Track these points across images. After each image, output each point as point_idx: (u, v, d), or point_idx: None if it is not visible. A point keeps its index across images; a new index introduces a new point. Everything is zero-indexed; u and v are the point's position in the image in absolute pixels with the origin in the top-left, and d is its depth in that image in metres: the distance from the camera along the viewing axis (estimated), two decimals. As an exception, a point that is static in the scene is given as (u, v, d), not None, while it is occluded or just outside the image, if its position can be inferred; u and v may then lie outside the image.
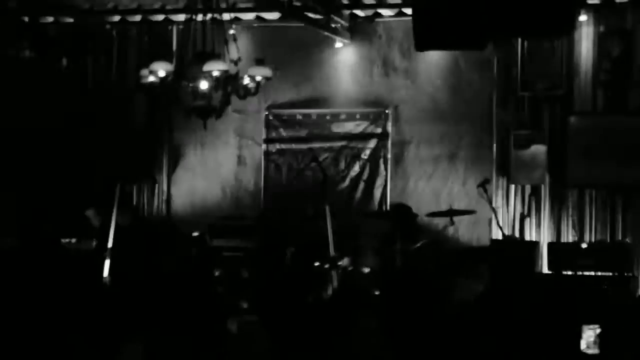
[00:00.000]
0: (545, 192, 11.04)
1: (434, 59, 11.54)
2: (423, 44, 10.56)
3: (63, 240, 9.30)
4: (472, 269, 10.46)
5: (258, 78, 10.51)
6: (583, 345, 7.38)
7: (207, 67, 10.16)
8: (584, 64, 10.95)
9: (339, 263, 9.73)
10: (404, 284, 8.70)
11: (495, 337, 6.56)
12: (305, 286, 9.04)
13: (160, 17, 12.30)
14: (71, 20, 12.32)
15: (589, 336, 7.40)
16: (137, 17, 12.32)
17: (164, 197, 12.12)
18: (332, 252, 9.63)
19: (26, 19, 12.07)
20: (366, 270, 9.80)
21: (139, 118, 12.30)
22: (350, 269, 9.88)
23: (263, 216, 11.56)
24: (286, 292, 7.31)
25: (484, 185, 10.09)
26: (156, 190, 12.26)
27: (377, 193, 11.80)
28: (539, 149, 10.95)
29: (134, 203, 11.66)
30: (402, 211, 10.43)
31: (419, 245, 9.94)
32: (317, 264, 9.91)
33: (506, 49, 11.21)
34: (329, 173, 11.53)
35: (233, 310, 7.63)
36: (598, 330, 7.33)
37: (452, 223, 10.27)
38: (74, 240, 9.62)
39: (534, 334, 6.99)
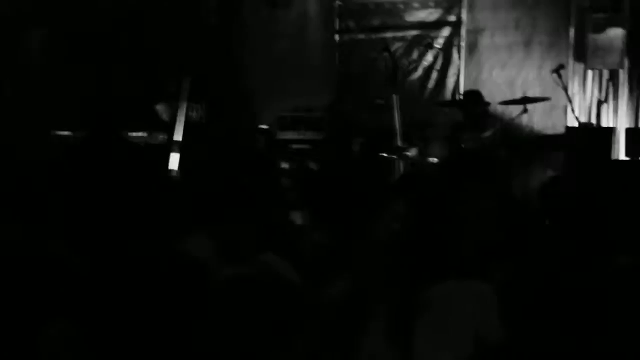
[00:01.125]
0: (623, 77, 10.70)
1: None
2: None
3: (132, 134, 9.42)
4: (546, 157, 10.32)
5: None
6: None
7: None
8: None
9: (406, 153, 9.68)
10: (466, 170, 8.60)
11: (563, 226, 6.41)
12: (371, 176, 9.03)
13: None
14: None
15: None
16: None
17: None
18: (399, 142, 9.58)
19: None
20: (434, 160, 9.74)
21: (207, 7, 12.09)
22: (417, 158, 9.83)
23: (332, 107, 11.48)
24: (348, 183, 7.29)
25: (558, 70, 9.83)
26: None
27: (450, 82, 11.61)
28: (616, 32, 10.57)
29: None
30: (473, 98, 10.23)
31: (489, 133, 9.79)
32: (384, 154, 9.88)
33: None
34: (402, 63, 11.39)
35: (297, 203, 7.67)
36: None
37: (526, 111, 10.04)
38: (144, 134, 9.73)
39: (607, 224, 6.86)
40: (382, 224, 5.28)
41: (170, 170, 8.81)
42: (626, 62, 10.62)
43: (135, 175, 6.78)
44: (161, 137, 9.74)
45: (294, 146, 10.80)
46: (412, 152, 9.87)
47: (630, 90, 10.62)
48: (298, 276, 4.59)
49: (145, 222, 5.41)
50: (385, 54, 10.68)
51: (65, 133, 9.66)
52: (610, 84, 10.73)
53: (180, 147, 9.09)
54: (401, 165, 9.45)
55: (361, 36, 11.98)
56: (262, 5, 11.18)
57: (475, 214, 5.90)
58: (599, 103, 10.79)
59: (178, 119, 9.24)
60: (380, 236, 4.78)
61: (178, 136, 9.24)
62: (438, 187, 6.71)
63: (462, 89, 11.44)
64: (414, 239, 5.05)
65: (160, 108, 10.01)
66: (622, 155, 10.17)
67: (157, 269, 4.06)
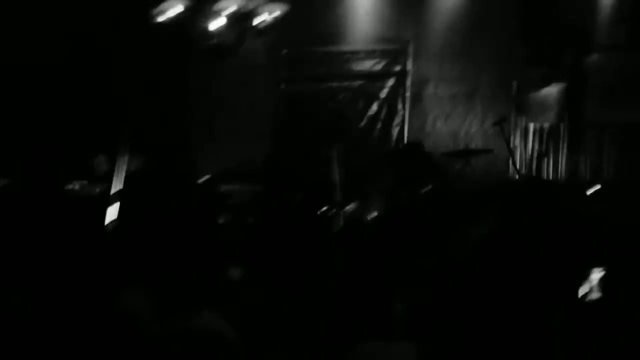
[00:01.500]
0: (564, 131, 10.83)
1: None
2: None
3: (67, 185, 9.31)
4: (487, 210, 10.36)
5: (273, 16, 10.41)
6: (585, 289, 7.29)
7: (221, 5, 10.06)
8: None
9: (346, 208, 9.66)
10: (405, 227, 8.60)
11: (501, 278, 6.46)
12: (309, 231, 9.01)
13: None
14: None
15: (592, 280, 7.30)
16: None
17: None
18: (338, 196, 9.56)
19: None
20: (373, 214, 9.71)
21: (152, 59, 12.07)
22: (356, 213, 9.80)
23: (272, 160, 11.45)
24: (288, 236, 7.29)
25: (500, 123, 9.92)
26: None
27: (395, 132, 11.67)
28: (556, 88, 10.72)
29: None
30: (416, 151, 10.27)
31: (430, 187, 9.82)
32: (323, 209, 9.85)
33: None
34: (347, 113, 11.43)
35: (236, 257, 7.62)
36: (601, 274, 7.22)
37: (469, 163, 10.11)
38: (79, 185, 9.63)
39: (541, 274, 6.91)
40: (317, 280, 5.29)
41: (108, 222, 8.72)
42: (565, 117, 10.76)
43: (70, 226, 6.71)
44: (98, 188, 9.67)
45: (233, 199, 10.74)
46: (351, 207, 9.85)
47: (570, 144, 10.73)
48: (234, 332, 4.56)
49: (80, 273, 5.34)
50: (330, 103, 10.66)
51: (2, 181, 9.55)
52: (551, 137, 10.86)
53: (119, 199, 8.99)
54: (341, 220, 9.43)
55: (306, 85, 11.99)
56: (207, 54, 11.15)
57: (408, 273, 5.91)
58: (540, 156, 10.90)
59: (117, 169, 9.16)
60: (316, 291, 4.82)
61: (117, 187, 9.15)
62: (374, 244, 6.71)
63: (406, 139, 11.49)
64: (347, 295, 5.05)
65: (99, 159, 9.93)
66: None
67: (90, 321, 4.02)
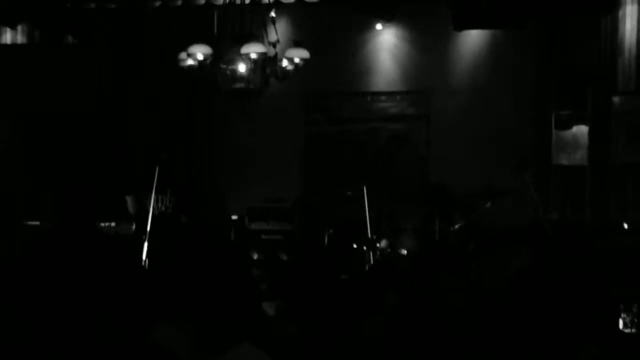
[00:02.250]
0: (587, 172, 10.88)
1: (473, 40, 11.47)
2: (461, 23, 10.58)
3: (102, 224, 9.40)
4: (512, 250, 10.38)
5: (296, 60, 10.51)
6: (621, 324, 7.30)
7: (245, 50, 10.17)
8: (627, 42, 10.74)
9: (377, 245, 9.71)
10: (439, 264, 8.62)
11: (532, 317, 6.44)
12: (342, 268, 9.02)
13: (202, 0, 12.26)
14: (113, 5, 12.32)
15: (627, 315, 7.31)
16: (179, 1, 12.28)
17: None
18: (369, 233, 9.60)
19: (68, 5, 12.11)
20: (404, 251, 9.79)
21: (179, 102, 12.24)
22: (388, 250, 9.88)
23: (301, 199, 11.55)
24: (320, 273, 7.30)
25: (522, 165, 9.97)
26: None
27: (418, 174, 11.74)
28: (581, 129, 10.79)
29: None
30: (440, 191, 10.34)
31: (457, 226, 9.88)
32: (355, 246, 9.91)
33: (547, 27, 11.07)
34: (369, 154, 11.53)
35: (270, 294, 7.63)
36: (636, 309, 7.23)
37: (492, 204, 10.15)
38: (112, 224, 9.73)
39: (572, 312, 6.92)
40: (373, 320, 5.26)
41: (140, 260, 8.77)
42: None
43: (105, 264, 6.74)
44: (130, 227, 9.75)
45: (264, 236, 10.83)
46: (382, 244, 9.91)
47: (594, 184, 10.76)
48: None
49: (115, 311, 5.36)
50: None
51: (35, 223, 9.66)
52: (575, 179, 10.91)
53: (149, 238, 9.07)
54: (371, 257, 9.46)
55: (329, 128, 12.12)
56: (232, 97, 11.26)
57: (447, 308, 5.92)
58: (564, 197, 10.95)
59: (148, 209, 9.24)
60: (370, 332, 4.80)
61: (147, 226, 9.22)
62: (410, 280, 6.73)
63: (430, 180, 11.56)
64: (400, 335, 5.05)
65: (129, 199, 10.03)
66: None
67: (126, 356, 4.02)
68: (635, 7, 10.68)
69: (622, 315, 7.23)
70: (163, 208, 10.36)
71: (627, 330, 7.21)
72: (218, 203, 11.75)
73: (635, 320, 7.20)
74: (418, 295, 6.19)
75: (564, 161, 10.91)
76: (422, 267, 7.80)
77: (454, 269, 8.06)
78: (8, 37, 11.94)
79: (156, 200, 9.81)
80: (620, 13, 10.64)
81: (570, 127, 10.77)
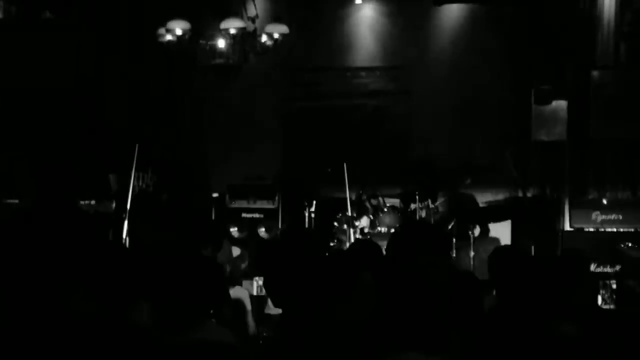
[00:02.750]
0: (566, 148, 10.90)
1: (452, 14, 11.46)
2: (440, -2, 10.54)
3: (82, 202, 9.36)
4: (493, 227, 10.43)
5: (275, 35, 10.48)
6: (600, 300, 7.37)
7: (224, 25, 10.12)
8: (606, 15, 10.74)
9: (357, 223, 9.71)
10: (421, 241, 8.64)
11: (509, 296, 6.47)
12: (322, 246, 9.02)
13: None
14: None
15: (605, 291, 7.38)
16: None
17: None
18: (350, 211, 9.60)
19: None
20: (384, 229, 9.77)
21: (158, 78, 12.12)
22: (368, 229, 9.87)
23: (282, 175, 11.51)
24: (300, 251, 7.30)
25: (512, 152, 9.95)
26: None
27: (401, 150, 11.71)
28: (560, 104, 10.78)
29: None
30: (424, 167, 10.34)
31: (438, 202, 9.90)
32: (335, 224, 9.91)
33: (526, 1, 11.06)
34: (350, 130, 11.50)
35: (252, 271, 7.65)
36: (614, 286, 7.31)
37: (472, 180, 10.18)
38: (92, 202, 9.69)
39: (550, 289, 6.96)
40: (350, 301, 5.26)
41: (121, 238, 8.75)
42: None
43: (83, 241, 6.71)
44: (111, 205, 9.72)
45: (245, 215, 10.81)
46: (362, 222, 9.91)
47: (573, 159, 10.77)
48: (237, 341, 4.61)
49: (91, 285, 5.34)
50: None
51: (14, 201, 9.61)
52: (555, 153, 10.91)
53: (130, 216, 9.04)
54: (351, 235, 9.47)
55: (309, 104, 12.07)
56: (211, 73, 11.20)
57: (429, 286, 5.92)
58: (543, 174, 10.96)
59: (129, 187, 9.22)
60: (343, 312, 4.78)
61: (128, 204, 9.19)
62: (391, 257, 6.69)
63: (413, 156, 11.54)
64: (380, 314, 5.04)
65: (112, 177, 9.98)
66: (567, 226, 10.32)
67: (100, 333, 4.04)
68: (612, -21, 10.68)
69: (601, 292, 7.30)
70: (144, 186, 10.32)
71: (606, 307, 7.29)
72: (203, 180, 11.73)
73: (614, 296, 7.27)
74: (397, 272, 6.15)
75: (544, 137, 10.90)
76: (402, 244, 7.81)
77: (434, 246, 8.09)
78: (-15, 12, 11.81)
79: (137, 178, 9.78)
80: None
81: (549, 102, 10.75)
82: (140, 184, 10.16)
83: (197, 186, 11.46)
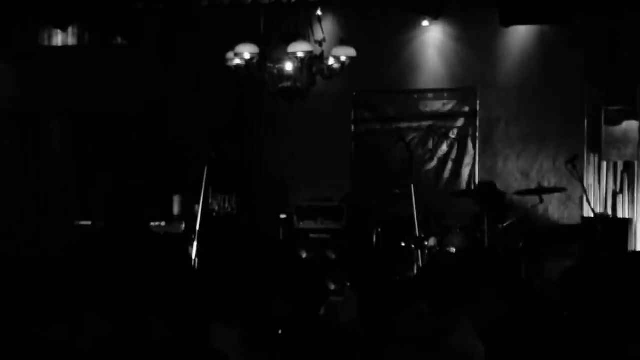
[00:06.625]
0: (638, 168, 10.76)
1: (520, 35, 11.39)
2: (508, 19, 10.49)
3: (152, 224, 9.52)
4: (562, 248, 10.30)
5: (343, 58, 10.51)
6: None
7: (291, 49, 10.19)
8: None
9: (425, 243, 9.68)
10: (490, 264, 8.60)
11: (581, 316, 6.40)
12: (391, 266, 9.02)
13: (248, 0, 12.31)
14: (161, 6, 12.41)
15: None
16: (226, 0, 12.34)
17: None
18: (417, 232, 9.57)
19: (117, 6, 12.22)
20: (453, 250, 9.76)
21: (227, 101, 12.28)
22: (436, 249, 9.86)
23: (350, 197, 11.58)
24: (373, 271, 7.32)
25: (573, 161, 9.87)
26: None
27: (465, 172, 11.73)
28: (631, 125, 10.66)
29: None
30: (489, 189, 10.30)
31: (506, 224, 9.83)
32: (403, 244, 9.90)
33: (596, 22, 10.95)
34: (417, 153, 11.49)
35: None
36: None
37: (542, 201, 10.07)
38: (162, 224, 9.84)
39: (622, 314, 6.86)
40: (407, 323, 5.26)
41: (190, 260, 8.85)
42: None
43: (153, 263, 6.80)
44: (180, 226, 9.86)
45: (313, 235, 10.89)
46: (430, 242, 9.90)
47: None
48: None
49: (167, 310, 5.40)
50: (401, 143, 10.75)
51: (86, 223, 9.81)
52: (625, 175, 10.78)
53: (200, 237, 9.14)
54: (420, 256, 9.44)
55: (376, 126, 12.13)
56: (279, 96, 11.30)
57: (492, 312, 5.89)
58: (615, 194, 10.83)
59: (199, 209, 9.32)
60: (406, 335, 4.79)
61: (197, 226, 9.30)
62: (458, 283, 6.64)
63: (477, 179, 11.54)
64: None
65: (176, 198, 10.12)
66: (639, 247, 10.19)
67: (180, 356, 4.07)
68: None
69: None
70: (229, 209, 10.53)
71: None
72: (283, 202, 11.88)
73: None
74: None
75: (615, 157, 10.78)
76: (470, 266, 7.78)
77: (501, 268, 8.04)
78: (59, 39, 12.08)
79: (223, 201, 9.96)
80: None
81: (620, 122, 10.64)
82: (225, 206, 10.37)
83: (276, 209, 11.61)
